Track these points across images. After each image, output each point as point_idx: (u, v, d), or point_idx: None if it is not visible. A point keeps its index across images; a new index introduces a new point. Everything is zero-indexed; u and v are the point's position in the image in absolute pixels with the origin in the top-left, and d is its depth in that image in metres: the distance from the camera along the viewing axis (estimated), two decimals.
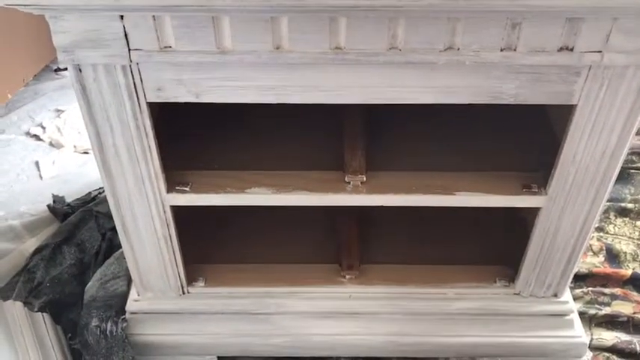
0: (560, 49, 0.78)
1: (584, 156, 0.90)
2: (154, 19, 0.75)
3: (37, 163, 1.71)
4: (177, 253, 1.06)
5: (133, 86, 0.82)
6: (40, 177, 1.67)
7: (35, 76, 2.05)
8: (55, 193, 1.59)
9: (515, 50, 0.78)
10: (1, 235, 1.47)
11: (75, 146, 1.76)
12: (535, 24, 0.76)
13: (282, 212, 1.10)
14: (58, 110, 1.91)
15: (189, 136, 1.09)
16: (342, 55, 0.78)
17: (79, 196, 1.57)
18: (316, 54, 0.78)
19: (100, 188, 1.58)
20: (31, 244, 1.42)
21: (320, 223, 1.23)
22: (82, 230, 1.31)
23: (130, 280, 1.18)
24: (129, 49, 0.77)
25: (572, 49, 0.78)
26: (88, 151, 1.74)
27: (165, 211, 0.99)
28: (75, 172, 1.69)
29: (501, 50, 0.78)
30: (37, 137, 1.81)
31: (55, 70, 2.09)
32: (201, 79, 0.82)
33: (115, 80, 0.81)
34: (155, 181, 0.93)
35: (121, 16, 0.74)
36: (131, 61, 0.78)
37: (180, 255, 1.07)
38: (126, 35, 0.76)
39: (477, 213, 1.03)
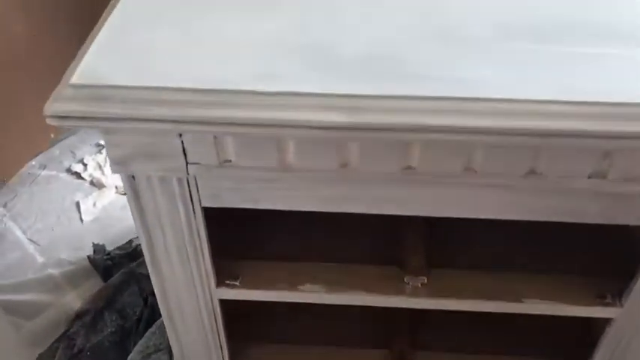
0: None
1: None
2: (215, 138, 0.70)
3: (77, 205, 1.69)
4: (223, 341, 1.01)
5: (188, 195, 0.77)
6: (81, 220, 1.65)
7: None
8: (96, 239, 1.56)
9: (604, 178, 0.71)
10: (40, 285, 1.45)
11: (116, 187, 1.73)
12: (628, 154, 0.69)
13: None
14: (99, 145, 1.87)
15: (237, 222, 1.03)
16: (413, 174, 0.72)
17: (120, 244, 1.55)
18: (385, 173, 0.73)
19: None
20: (71, 298, 1.39)
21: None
22: (123, 295, 1.27)
23: (172, 353, 1.14)
24: (186, 163, 0.72)
25: None
26: None
27: (213, 305, 0.94)
28: (116, 216, 1.66)
29: (589, 177, 0.72)
30: (78, 175, 1.79)
31: None
32: (260, 189, 0.77)
33: (170, 189, 0.76)
34: (205, 277, 0.89)
35: (180, 134, 0.70)
36: (188, 174, 0.74)
37: (226, 341, 1.02)
38: (184, 150, 0.71)
39: None
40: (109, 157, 0.73)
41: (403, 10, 0.76)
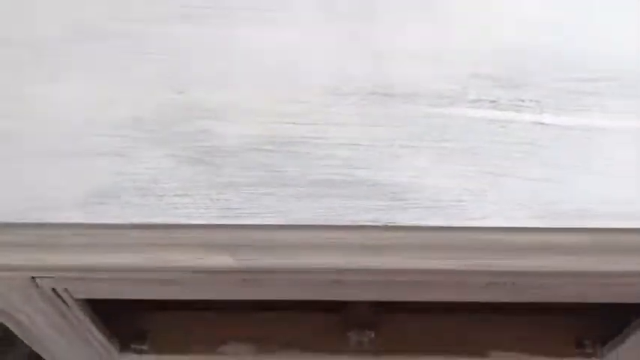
0: None
1: None
2: None
3: None
4: None
5: (54, 295, 0.58)
6: None
7: None
8: None
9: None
10: None
11: None
12: None
13: None
14: None
15: None
16: (342, 283, 0.53)
17: None
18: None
19: None
20: None
21: None
22: None
23: None
24: (32, 277, 0.54)
25: None
26: None
27: None
28: None
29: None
30: None
31: None
32: (144, 284, 0.57)
33: (29, 295, 0.58)
34: (102, 349, 0.73)
35: None
36: (38, 287, 0.55)
37: None
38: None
39: None
40: None
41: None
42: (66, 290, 0.58)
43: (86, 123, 0.50)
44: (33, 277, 0.54)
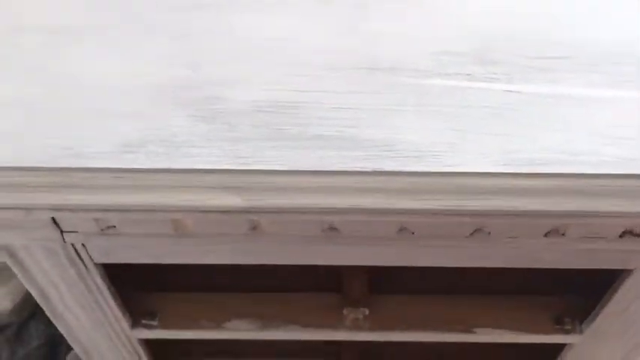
0: (623, 235, 0.60)
1: (637, 309, 0.72)
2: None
3: None
4: None
5: (76, 256, 0.66)
6: None
7: None
8: None
9: (563, 235, 0.60)
10: None
11: None
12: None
13: None
14: None
15: None
16: (337, 237, 0.61)
17: None
18: (302, 235, 0.62)
19: None
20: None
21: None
22: None
23: None
24: (61, 232, 0.61)
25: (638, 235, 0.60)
26: None
27: (133, 345, 0.85)
28: None
29: (545, 236, 0.60)
30: None
31: None
32: (160, 246, 0.65)
33: (53, 254, 0.65)
34: (115, 322, 0.79)
35: None
36: (65, 241, 0.63)
37: None
38: (55, 221, 0.60)
39: None
40: None
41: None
42: (87, 252, 0.66)
43: (116, 90, 0.59)
44: (62, 232, 0.61)
